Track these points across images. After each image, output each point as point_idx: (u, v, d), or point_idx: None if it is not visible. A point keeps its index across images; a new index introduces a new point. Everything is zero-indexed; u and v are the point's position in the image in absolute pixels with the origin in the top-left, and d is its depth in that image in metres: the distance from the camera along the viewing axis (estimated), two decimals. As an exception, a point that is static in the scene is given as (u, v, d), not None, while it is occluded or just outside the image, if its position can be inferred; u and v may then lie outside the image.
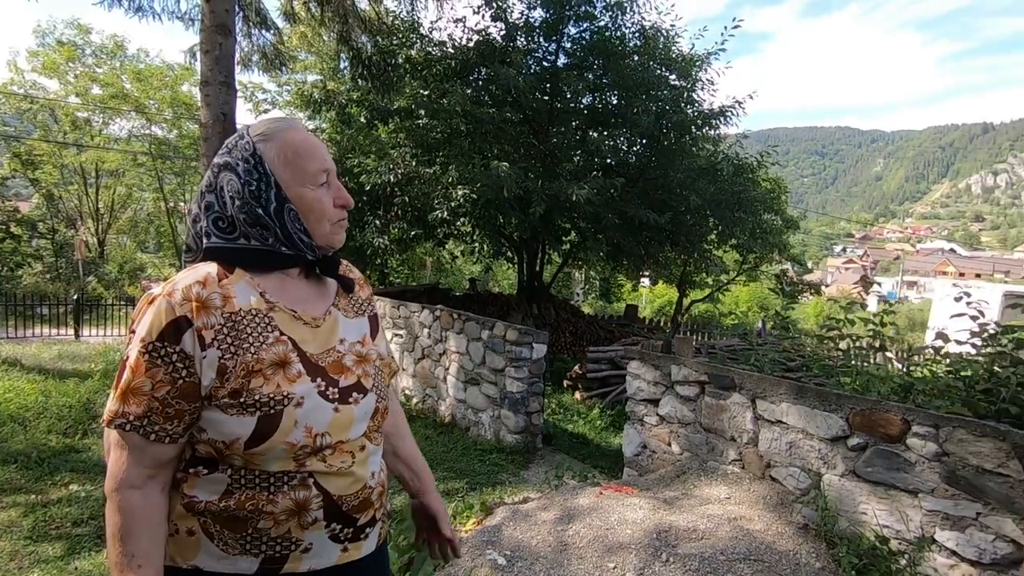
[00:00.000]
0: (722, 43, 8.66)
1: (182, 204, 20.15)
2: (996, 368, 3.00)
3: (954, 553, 2.29)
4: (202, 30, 7.14)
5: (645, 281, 20.33)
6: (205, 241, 0.97)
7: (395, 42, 8.98)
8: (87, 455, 4.44)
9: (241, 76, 10.72)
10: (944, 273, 76.14)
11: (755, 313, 22.63)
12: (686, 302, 16.27)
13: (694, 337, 12.55)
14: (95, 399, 5.58)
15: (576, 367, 8.26)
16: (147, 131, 17.78)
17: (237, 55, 8.57)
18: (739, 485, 3.05)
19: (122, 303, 12.99)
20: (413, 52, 8.82)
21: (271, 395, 0.89)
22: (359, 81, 9.45)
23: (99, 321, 11.66)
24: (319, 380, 0.95)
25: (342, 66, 12.10)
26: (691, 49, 9.11)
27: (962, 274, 73.38)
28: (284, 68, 11.16)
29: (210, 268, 0.94)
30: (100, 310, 12.19)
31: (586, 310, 17.02)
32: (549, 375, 7.47)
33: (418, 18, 9.18)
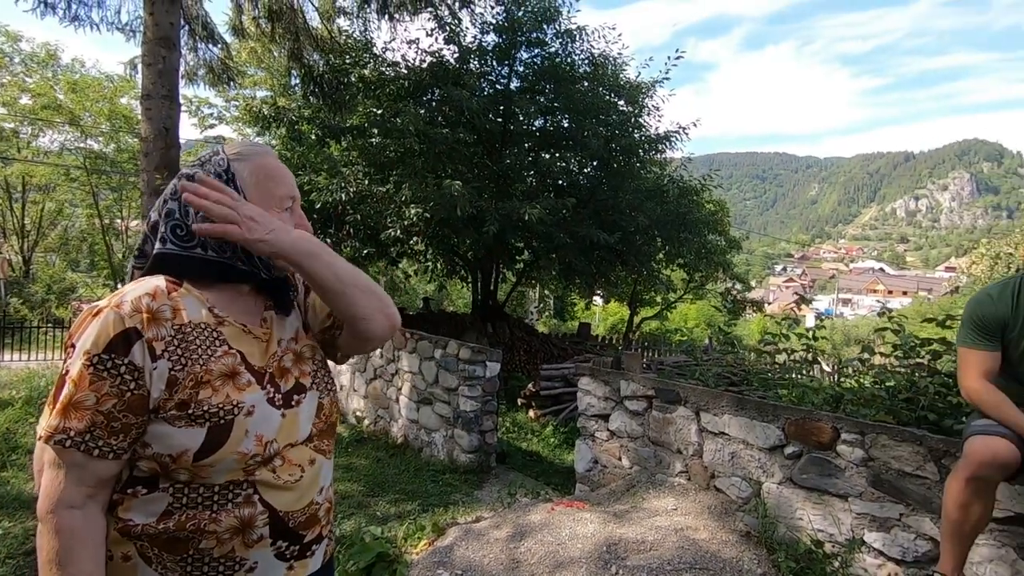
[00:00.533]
0: (666, 72, 9.10)
1: (118, 221, 19.16)
2: (916, 378, 3.24)
3: (881, 553, 2.43)
4: (144, 42, 6.94)
5: (598, 300, 20.72)
6: (159, 246, 0.97)
7: (348, 61, 8.96)
8: (5, 489, 4.11)
9: (186, 90, 10.40)
10: (875, 291, 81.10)
11: (702, 330, 23.38)
12: (637, 320, 16.69)
13: (645, 354, 12.84)
14: (16, 429, 5.19)
15: (530, 385, 8.29)
16: (82, 144, 16.91)
17: (182, 69, 8.36)
18: (685, 496, 3.13)
19: (49, 325, 12.16)
20: (366, 71, 8.83)
21: (220, 405, 0.88)
22: (310, 98, 9.36)
23: (22, 345, 10.86)
24: (268, 387, 0.96)
25: (293, 83, 11.94)
26: (638, 77, 9.52)
27: (890, 292, 78.37)
28: (232, 83, 10.91)
29: (158, 281, 0.93)
30: (24, 333, 11.38)
31: (541, 329, 17.17)
32: (503, 393, 7.47)
33: (372, 38, 9.21)
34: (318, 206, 7.72)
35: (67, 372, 0.86)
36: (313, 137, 9.59)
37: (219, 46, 9.49)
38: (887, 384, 3.38)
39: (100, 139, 17.06)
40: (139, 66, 8.11)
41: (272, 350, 1.01)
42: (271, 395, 0.95)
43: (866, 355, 3.81)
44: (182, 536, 0.87)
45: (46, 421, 0.85)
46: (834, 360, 10.28)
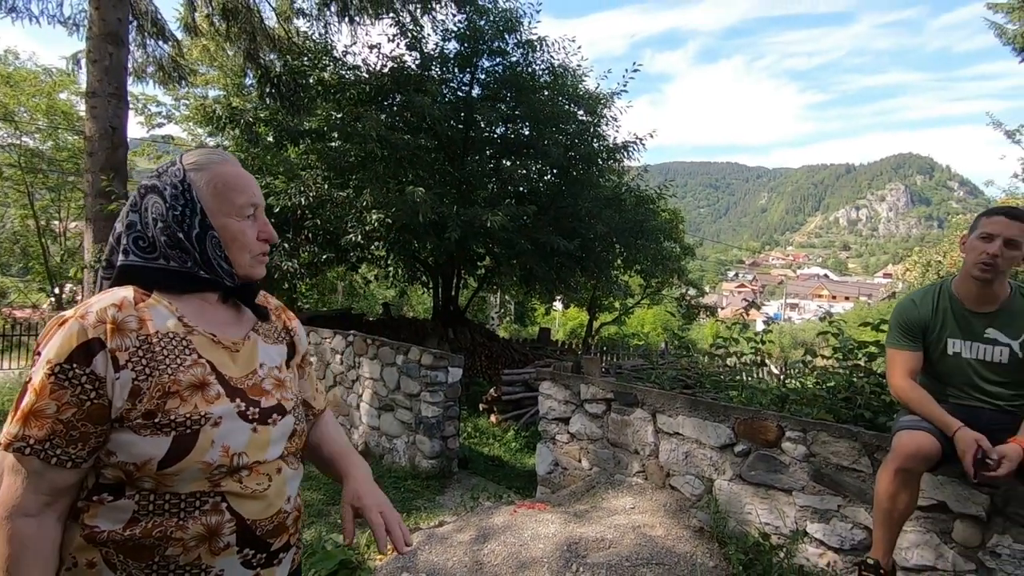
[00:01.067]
0: (624, 84, 9.37)
1: (56, 222, 18.16)
2: (854, 379, 3.46)
3: (822, 543, 2.60)
4: (90, 38, 6.68)
5: (558, 305, 20.96)
6: (122, 258, 0.98)
7: (306, 63, 8.83)
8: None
9: (133, 87, 9.99)
10: (820, 296, 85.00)
11: (658, 334, 23.98)
12: (596, 324, 16.99)
13: (604, 358, 13.08)
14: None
15: (491, 390, 8.33)
16: (16, 141, 15.96)
17: (130, 65, 8.05)
18: (643, 495, 3.25)
19: (-23, 333, 11.39)
20: (326, 74, 8.73)
21: (188, 415, 0.90)
22: (267, 100, 9.16)
23: (-52, 354, 10.15)
24: (239, 401, 0.96)
25: (248, 83, 11.66)
26: (596, 88, 9.75)
27: (834, 297, 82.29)
28: (183, 82, 10.59)
29: (126, 292, 0.95)
30: (-51, 341, 10.62)
31: (501, 334, 17.24)
32: (465, 399, 7.48)
33: (332, 41, 9.11)
34: (276, 210, 7.57)
35: (30, 379, 0.87)
36: (270, 139, 9.40)
37: (170, 43, 9.18)
38: (828, 384, 3.60)
39: (37, 136, 16.15)
40: (83, 61, 7.79)
41: (252, 367, 1.02)
42: (243, 409, 0.96)
43: (809, 357, 4.05)
44: (148, 543, 0.88)
45: (7, 428, 0.86)
46: (782, 362, 10.77)
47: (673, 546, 2.74)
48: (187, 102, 17.04)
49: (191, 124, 16.53)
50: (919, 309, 2.21)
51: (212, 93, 15.96)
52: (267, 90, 8.99)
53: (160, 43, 9.08)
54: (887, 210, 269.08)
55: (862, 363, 3.49)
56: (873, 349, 3.45)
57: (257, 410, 0.98)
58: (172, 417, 0.89)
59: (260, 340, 1.07)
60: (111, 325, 0.89)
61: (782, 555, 2.65)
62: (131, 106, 14.66)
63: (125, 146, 7.59)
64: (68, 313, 0.91)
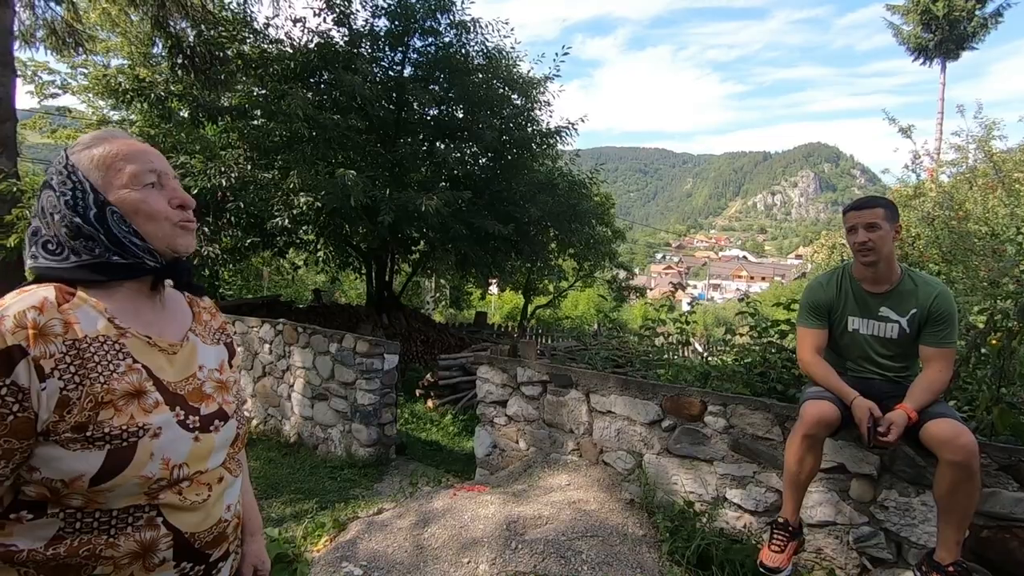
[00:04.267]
0: (556, 68, 9.45)
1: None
2: (768, 355, 3.74)
3: (739, 507, 2.82)
4: (-34, -4, 5.96)
5: (493, 288, 21.07)
6: (31, 262, 0.92)
7: (223, 34, 8.27)
8: None
9: (20, 53, 8.96)
10: (740, 277, 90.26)
11: (591, 316, 24.66)
12: (531, 307, 17.25)
13: (539, 340, 13.33)
14: None
15: (428, 375, 8.31)
16: None
17: (16, 28, 7.26)
18: (577, 472, 3.38)
19: None
20: (246, 48, 8.22)
21: (123, 427, 0.84)
22: (179, 72, 8.52)
23: None
24: (178, 409, 0.91)
25: (156, 52, 10.78)
26: (530, 72, 9.77)
27: (752, 277, 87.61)
28: (80, 48, 9.63)
29: (47, 292, 0.86)
30: None
31: (437, 318, 17.15)
32: (401, 385, 7.42)
33: (251, 12, 8.57)
34: (194, 192, 7.10)
35: None
36: (184, 115, 8.77)
37: (64, 4, 8.33)
38: (745, 361, 3.87)
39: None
40: (-42, 23, 6.90)
41: (191, 371, 0.97)
42: (181, 417, 0.91)
43: (729, 336, 4.32)
44: (74, 562, 0.82)
45: None
46: (705, 341, 11.41)
47: (606, 518, 2.88)
48: (85, 71, 15.49)
49: (91, 95, 15.08)
50: (825, 291, 2.42)
51: (115, 62, 14.60)
52: (179, 61, 8.36)
53: (52, 4, 8.23)
54: (799, 195, 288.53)
55: (775, 340, 3.78)
56: (785, 327, 3.74)
57: (198, 418, 0.93)
58: (106, 430, 0.82)
59: (199, 342, 1.02)
60: (32, 330, 0.80)
61: (704, 520, 2.86)
62: (18, 74, 13.22)
63: (14, 119, 6.88)
64: None
